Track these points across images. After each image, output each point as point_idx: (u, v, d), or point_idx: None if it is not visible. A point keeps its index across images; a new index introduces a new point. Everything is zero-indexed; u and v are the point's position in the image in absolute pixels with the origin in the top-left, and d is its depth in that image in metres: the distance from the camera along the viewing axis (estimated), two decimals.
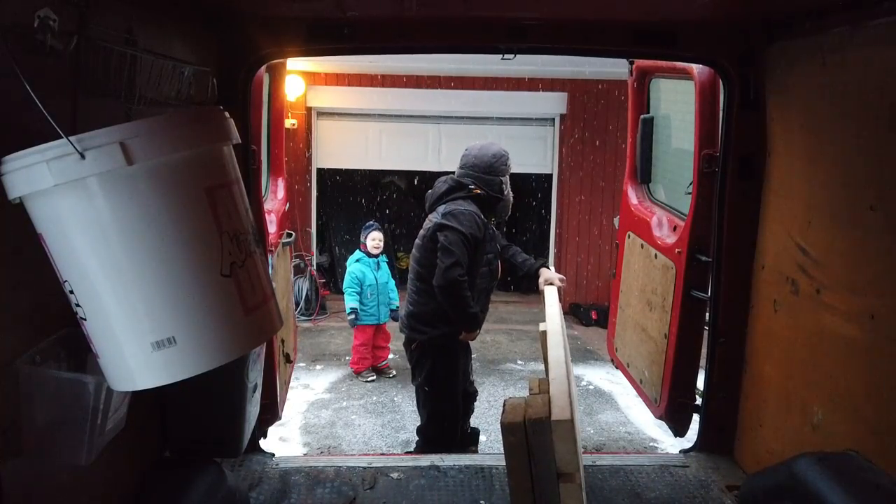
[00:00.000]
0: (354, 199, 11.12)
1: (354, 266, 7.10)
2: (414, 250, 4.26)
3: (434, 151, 10.21)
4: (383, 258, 7.27)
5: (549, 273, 4.29)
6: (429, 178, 12.11)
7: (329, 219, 10.92)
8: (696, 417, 3.97)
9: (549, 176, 10.45)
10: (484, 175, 4.06)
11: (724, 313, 3.67)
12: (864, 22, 2.63)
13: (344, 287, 7.12)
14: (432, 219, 4.10)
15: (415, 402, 4.68)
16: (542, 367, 8.03)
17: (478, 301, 4.14)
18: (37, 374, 1.76)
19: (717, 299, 3.68)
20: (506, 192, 4.14)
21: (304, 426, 6.14)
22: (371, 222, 7.49)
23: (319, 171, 10.33)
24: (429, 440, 4.38)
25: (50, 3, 1.68)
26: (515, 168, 4.44)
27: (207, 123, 1.80)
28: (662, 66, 4.36)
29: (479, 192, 4.03)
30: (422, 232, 4.20)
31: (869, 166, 2.68)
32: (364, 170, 11.32)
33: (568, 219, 10.20)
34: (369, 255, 7.12)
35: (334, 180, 10.95)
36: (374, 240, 7.13)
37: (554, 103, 9.96)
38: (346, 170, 11.03)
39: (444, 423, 4.28)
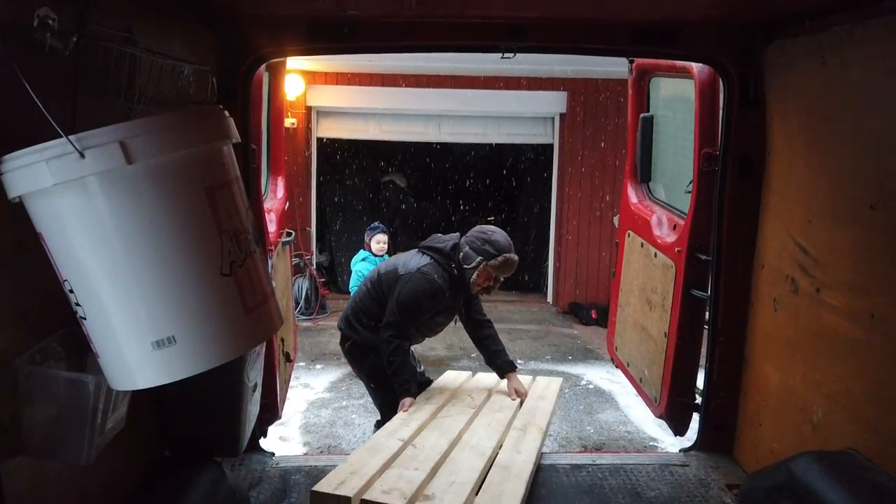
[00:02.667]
0: (354, 199, 11.12)
1: (361, 265, 7.13)
2: (394, 259, 4.35)
3: (434, 127, 10.33)
4: (387, 258, 7.31)
5: (517, 383, 4.24)
6: (430, 175, 12.12)
7: (329, 218, 10.92)
8: (695, 416, 3.97)
9: (549, 174, 10.46)
10: (469, 246, 4.03)
11: (724, 312, 3.67)
12: (863, 21, 2.63)
13: (351, 286, 7.12)
14: (413, 258, 4.14)
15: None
16: (541, 366, 8.07)
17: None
18: (37, 373, 1.76)
19: (716, 298, 3.69)
20: (468, 268, 4.02)
21: (304, 425, 6.15)
22: (376, 223, 7.55)
23: (320, 169, 10.33)
24: None
25: (49, 2, 1.68)
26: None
27: (207, 122, 1.80)
28: (662, 64, 4.36)
29: (455, 273, 4.04)
30: (405, 256, 4.25)
31: (869, 165, 2.68)
32: (365, 168, 11.35)
33: (568, 217, 10.20)
34: (375, 254, 7.19)
35: (335, 181, 10.96)
36: (379, 242, 7.23)
37: (554, 102, 9.97)
38: (346, 168, 11.04)
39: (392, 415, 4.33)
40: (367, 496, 2.80)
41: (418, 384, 4.39)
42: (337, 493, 2.79)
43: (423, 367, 4.66)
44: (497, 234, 4.10)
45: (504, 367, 4.33)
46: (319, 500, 2.83)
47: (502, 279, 4.15)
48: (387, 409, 4.40)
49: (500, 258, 4.01)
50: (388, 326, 4.02)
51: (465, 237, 4.11)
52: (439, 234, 4.30)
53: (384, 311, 4.13)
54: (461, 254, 4.04)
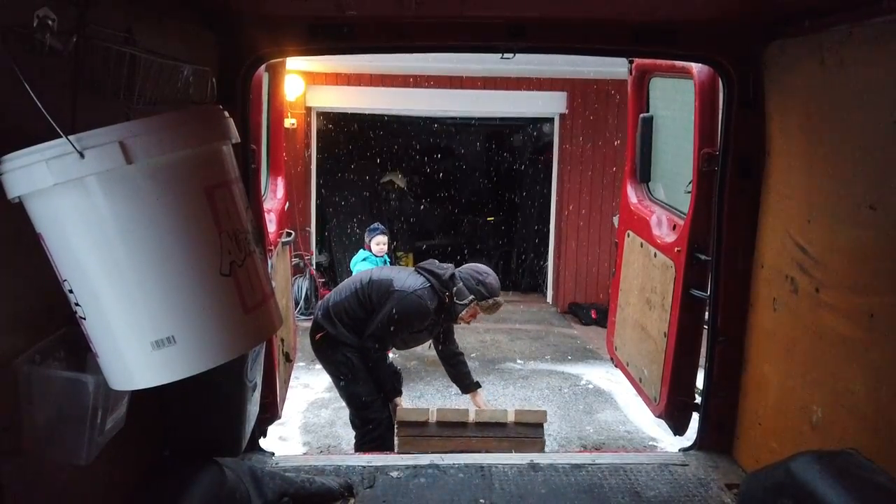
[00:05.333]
0: (354, 199, 11.12)
1: (362, 265, 7.14)
2: (389, 271, 4.62)
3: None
4: (386, 258, 7.33)
5: (482, 400, 4.83)
6: (429, 175, 12.13)
7: (329, 219, 10.93)
8: (695, 416, 3.97)
9: (548, 174, 10.47)
10: (463, 283, 4.39)
11: (724, 312, 3.67)
12: (863, 21, 2.63)
13: None
14: (411, 277, 4.41)
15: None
16: (541, 366, 8.08)
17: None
18: (36, 373, 1.76)
19: (716, 298, 3.68)
20: (459, 303, 4.37)
21: (303, 425, 6.15)
22: (376, 225, 7.57)
23: (319, 169, 10.33)
24: (357, 428, 4.53)
25: (49, 2, 1.68)
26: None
27: (207, 122, 1.80)
28: (662, 65, 4.36)
29: (446, 301, 4.38)
30: (403, 273, 4.54)
31: (868, 165, 2.68)
32: (364, 168, 11.34)
33: (567, 217, 10.20)
34: (375, 255, 7.21)
35: (335, 181, 10.97)
36: (379, 243, 7.24)
37: (553, 103, 9.97)
38: (346, 168, 11.04)
39: (366, 411, 4.47)
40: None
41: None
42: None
43: (390, 359, 4.83)
44: (490, 276, 4.44)
45: (469, 385, 4.79)
46: (402, 416, 4.03)
47: (490, 314, 4.57)
48: (356, 402, 4.50)
49: (490, 300, 4.40)
50: (373, 338, 4.27)
51: (460, 272, 4.42)
52: (435, 261, 4.62)
53: (366, 313, 4.28)
54: (455, 288, 4.33)
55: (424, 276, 4.39)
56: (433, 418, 4.09)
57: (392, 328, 4.25)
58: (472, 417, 4.15)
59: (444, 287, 4.37)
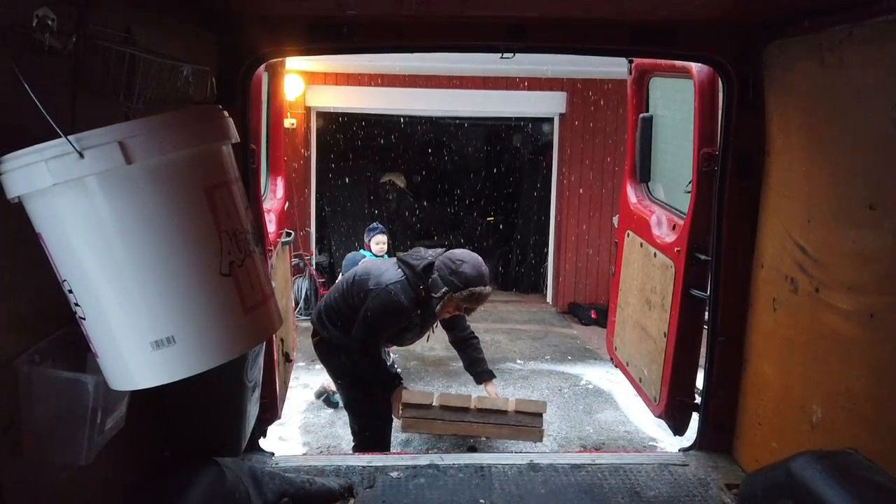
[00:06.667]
0: (354, 199, 11.12)
1: None
2: (372, 266, 4.35)
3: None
4: (385, 258, 7.33)
5: (491, 390, 4.71)
6: (429, 174, 12.12)
7: (328, 219, 10.92)
8: (695, 416, 3.97)
9: (548, 174, 10.46)
10: (437, 273, 3.95)
11: (724, 312, 3.67)
12: (862, 20, 2.63)
13: None
14: (388, 272, 4.09)
15: None
16: (541, 366, 8.08)
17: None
18: (36, 373, 1.76)
19: (716, 298, 3.69)
20: (435, 297, 3.93)
21: (303, 425, 6.15)
22: (375, 224, 7.57)
23: (319, 169, 10.32)
24: (355, 433, 4.49)
25: (48, 2, 1.68)
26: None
27: (206, 122, 1.80)
28: (662, 64, 4.37)
29: (422, 294, 3.97)
30: (383, 266, 4.22)
31: (868, 165, 2.68)
32: (364, 168, 11.34)
33: (567, 217, 10.20)
34: (375, 255, 7.21)
35: (334, 181, 10.96)
36: (379, 243, 7.23)
37: (553, 102, 9.97)
38: (345, 168, 11.04)
39: (362, 417, 4.40)
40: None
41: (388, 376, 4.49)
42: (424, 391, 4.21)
43: (392, 360, 4.72)
44: (467, 264, 3.89)
45: (483, 374, 4.54)
46: (407, 398, 4.14)
47: (476, 308, 4.05)
48: (353, 406, 4.46)
49: (465, 292, 3.83)
50: (357, 340, 4.03)
51: (438, 261, 3.96)
52: (421, 249, 4.21)
53: (352, 312, 4.13)
54: (430, 279, 3.89)
55: (402, 269, 4.02)
56: (437, 402, 4.22)
57: (369, 328, 3.96)
58: (473, 404, 4.24)
59: (418, 279, 3.92)
